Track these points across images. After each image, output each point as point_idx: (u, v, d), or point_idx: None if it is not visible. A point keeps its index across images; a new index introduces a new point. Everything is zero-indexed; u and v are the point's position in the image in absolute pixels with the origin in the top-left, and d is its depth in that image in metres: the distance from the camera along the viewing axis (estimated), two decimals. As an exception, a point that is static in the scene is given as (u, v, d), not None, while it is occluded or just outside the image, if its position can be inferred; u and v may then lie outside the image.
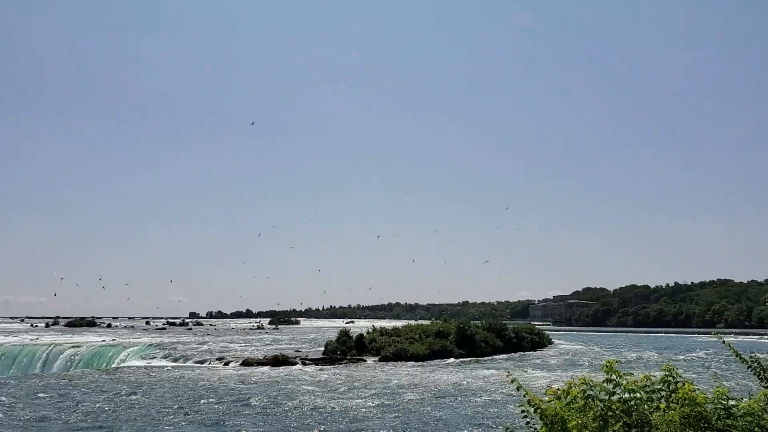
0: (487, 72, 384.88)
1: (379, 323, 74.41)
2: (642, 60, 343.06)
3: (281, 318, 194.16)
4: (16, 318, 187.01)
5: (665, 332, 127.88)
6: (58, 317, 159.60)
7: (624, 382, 5.13)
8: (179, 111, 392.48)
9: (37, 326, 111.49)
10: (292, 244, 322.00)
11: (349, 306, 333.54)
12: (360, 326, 68.38)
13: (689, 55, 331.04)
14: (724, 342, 6.55)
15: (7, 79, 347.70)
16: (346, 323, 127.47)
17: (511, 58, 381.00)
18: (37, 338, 63.58)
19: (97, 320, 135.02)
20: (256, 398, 26.88)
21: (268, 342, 66.56)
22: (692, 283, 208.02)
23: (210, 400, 26.57)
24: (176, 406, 24.74)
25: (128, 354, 48.73)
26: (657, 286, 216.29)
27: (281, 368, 40.62)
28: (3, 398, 27.05)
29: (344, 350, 47.86)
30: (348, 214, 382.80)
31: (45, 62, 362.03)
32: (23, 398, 27.32)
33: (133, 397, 27.35)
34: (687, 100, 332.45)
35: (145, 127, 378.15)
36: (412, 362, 44.60)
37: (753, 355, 6.02)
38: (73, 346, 50.74)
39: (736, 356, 6.15)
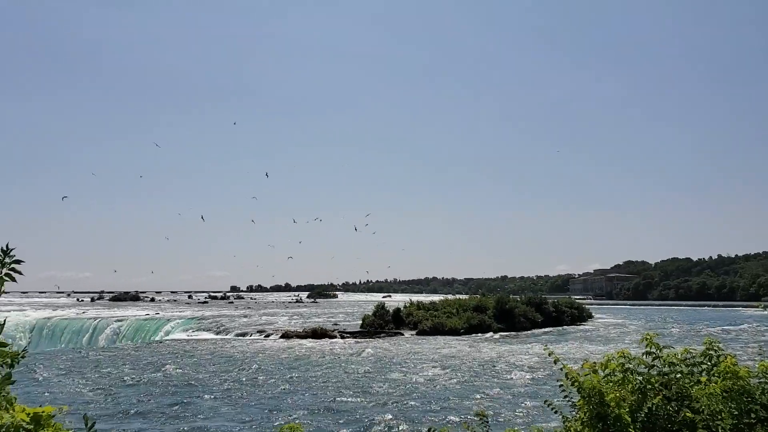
0: (502, 57, 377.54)
1: (416, 297, 74.68)
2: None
3: (319, 292, 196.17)
4: (63, 293, 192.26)
5: (708, 306, 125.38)
6: (103, 291, 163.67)
7: (664, 354, 5.03)
8: (191, 83, 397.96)
9: (83, 301, 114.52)
10: (328, 219, 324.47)
11: (386, 280, 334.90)
12: (397, 300, 68.68)
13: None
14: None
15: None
16: (383, 297, 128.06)
17: (522, 43, 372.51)
18: (84, 312, 65.44)
19: (141, 294, 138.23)
20: (296, 370, 27.33)
21: (307, 315, 67.43)
22: (736, 255, 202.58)
23: (251, 372, 27.11)
24: (218, 378, 25.32)
25: (172, 327, 49.95)
26: (699, 259, 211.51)
27: (320, 341, 41.21)
28: (54, 370, 28.07)
29: (381, 324, 48.23)
30: (378, 190, 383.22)
31: (25, 30, 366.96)
32: (73, 370, 28.32)
33: (177, 369, 28.07)
34: (720, 69, 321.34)
35: (163, 94, 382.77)
36: (450, 336, 44.70)
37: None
38: (117, 320, 52.19)
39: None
